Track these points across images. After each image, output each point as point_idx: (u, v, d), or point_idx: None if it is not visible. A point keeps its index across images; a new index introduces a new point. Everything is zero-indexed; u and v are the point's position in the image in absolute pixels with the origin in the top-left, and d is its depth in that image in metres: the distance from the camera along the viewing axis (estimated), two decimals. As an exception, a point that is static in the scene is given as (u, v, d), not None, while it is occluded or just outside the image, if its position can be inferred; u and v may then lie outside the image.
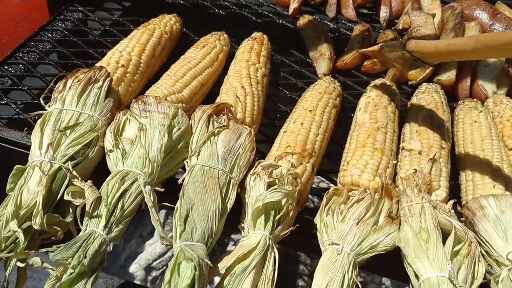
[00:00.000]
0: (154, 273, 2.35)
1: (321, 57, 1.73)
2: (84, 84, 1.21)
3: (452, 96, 1.66)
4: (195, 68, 1.45)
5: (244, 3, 2.06)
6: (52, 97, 1.23)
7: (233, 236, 2.19)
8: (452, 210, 1.16)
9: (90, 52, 1.70)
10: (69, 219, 1.07)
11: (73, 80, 1.22)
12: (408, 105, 1.54)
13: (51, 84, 1.25)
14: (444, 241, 1.05)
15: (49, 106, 1.21)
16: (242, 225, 1.11)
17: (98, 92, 1.22)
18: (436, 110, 1.45)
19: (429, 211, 1.10)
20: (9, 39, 2.03)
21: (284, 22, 1.98)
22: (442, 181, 1.23)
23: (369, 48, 1.52)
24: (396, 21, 2.02)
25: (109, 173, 1.12)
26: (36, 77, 1.60)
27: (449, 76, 1.67)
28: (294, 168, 1.15)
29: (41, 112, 1.20)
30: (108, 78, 1.25)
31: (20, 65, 1.63)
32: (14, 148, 1.30)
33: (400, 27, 1.96)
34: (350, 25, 1.97)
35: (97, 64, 1.36)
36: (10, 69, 1.61)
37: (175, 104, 1.24)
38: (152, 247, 2.42)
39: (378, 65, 1.74)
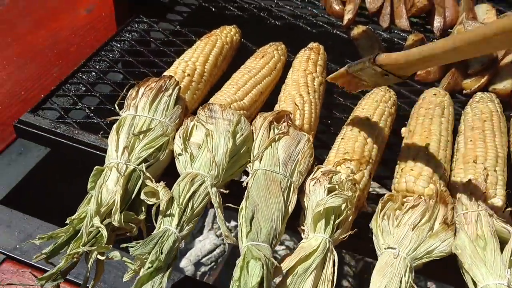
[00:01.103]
0: (203, 269, 2.43)
1: (375, 66, 1.76)
2: (155, 92, 1.30)
3: (508, 104, 1.65)
4: (255, 77, 1.52)
5: (299, 14, 2.11)
6: (125, 104, 1.32)
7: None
8: (510, 218, 1.18)
9: (155, 61, 1.81)
10: (142, 216, 1.16)
11: (145, 88, 1.32)
12: (462, 114, 1.56)
13: (124, 91, 1.35)
14: (501, 250, 1.06)
15: (123, 112, 1.31)
16: (302, 227, 1.16)
17: (168, 99, 1.31)
18: (491, 119, 1.46)
19: (485, 219, 1.12)
20: (77, 47, 2.17)
21: (338, 32, 2.01)
22: (498, 189, 1.24)
23: (334, 73, 1.35)
24: (450, 30, 2.02)
25: (176, 175, 1.20)
26: (106, 84, 1.72)
27: (505, 85, 1.67)
28: (353, 175, 1.20)
29: (116, 117, 1.29)
30: (177, 87, 1.34)
31: (93, 72, 1.75)
32: (90, 150, 1.42)
33: (454, 36, 1.97)
34: (403, 34, 1.99)
35: (165, 73, 1.45)
36: (83, 76, 1.73)
37: (239, 111, 1.32)
38: (202, 244, 2.51)
39: (432, 74, 1.77)
